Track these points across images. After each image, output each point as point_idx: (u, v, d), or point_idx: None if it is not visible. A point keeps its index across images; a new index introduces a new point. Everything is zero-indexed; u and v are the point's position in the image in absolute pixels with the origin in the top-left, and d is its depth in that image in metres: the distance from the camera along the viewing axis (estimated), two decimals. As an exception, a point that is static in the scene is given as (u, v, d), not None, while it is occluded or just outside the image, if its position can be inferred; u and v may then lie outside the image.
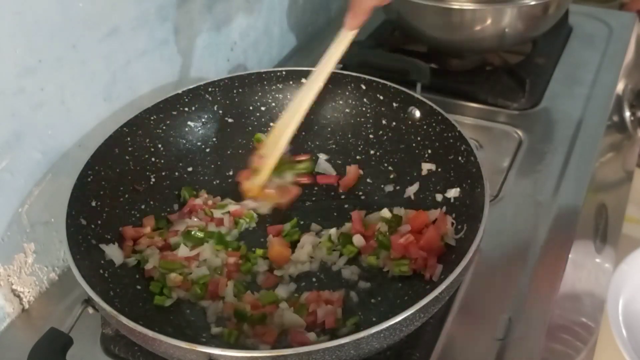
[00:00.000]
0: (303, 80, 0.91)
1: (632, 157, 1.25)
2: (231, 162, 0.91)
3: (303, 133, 0.92)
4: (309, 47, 1.30)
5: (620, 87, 1.15)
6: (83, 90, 0.81)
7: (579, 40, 1.26)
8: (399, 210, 0.82)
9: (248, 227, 0.84)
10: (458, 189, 0.78)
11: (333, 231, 0.81)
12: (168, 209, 0.85)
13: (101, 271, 0.71)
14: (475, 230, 0.66)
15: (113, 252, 0.74)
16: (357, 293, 0.75)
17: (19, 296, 0.79)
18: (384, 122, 0.89)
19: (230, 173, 0.90)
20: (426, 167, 0.83)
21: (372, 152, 0.90)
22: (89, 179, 0.76)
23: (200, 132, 0.90)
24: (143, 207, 0.83)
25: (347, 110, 0.91)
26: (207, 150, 0.90)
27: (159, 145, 0.86)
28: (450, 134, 0.80)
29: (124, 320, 0.59)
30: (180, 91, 0.87)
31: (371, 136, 0.90)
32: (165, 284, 0.74)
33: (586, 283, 0.94)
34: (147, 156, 0.85)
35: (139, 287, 0.74)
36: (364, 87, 0.89)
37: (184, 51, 0.99)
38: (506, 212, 0.87)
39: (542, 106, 1.08)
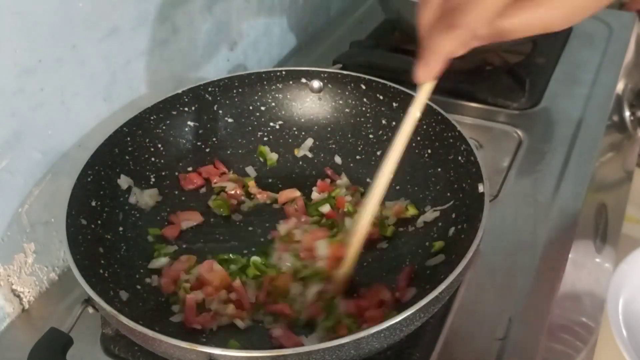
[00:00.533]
0: (303, 79, 0.91)
1: (632, 157, 1.25)
2: (231, 162, 0.91)
3: (303, 133, 0.93)
4: (309, 47, 1.30)
5: (620, 87, 1.15)
6: (83, 90, 0.81)
7: (578, 40, 1.26)
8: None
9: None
10: (437, 213, 0.78)
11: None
12: (168, 209, 0.85)
13: (101, 271, 0.71)
14: (475, 230, 0.66)
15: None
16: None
17: (19, 296, 0.79)
18: (384, 122, 0.89)
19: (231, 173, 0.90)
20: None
21: (372, 152, 0.90)
22: (89, 179, 0.76)
23: (200, 132, 0.90)
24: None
25: (347, 110, 0.91)
26: (207, 150, 0.90)
27: (159, 145, 0.86)
28: (450, 134, 0.80)
29: (124, 320, 0.59)
30: (180, 91, 0.87)
31: (371, 136, 0.90)
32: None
33: (586, 283, 0.94)
34: (147, 156, 0.85)
35: (139, 287, 0.74)
36: (364, 87, 0.89)
37: (184, 51, 0.99)
38: (506, 212, 0.87)
39: (542, 106, 1.08)
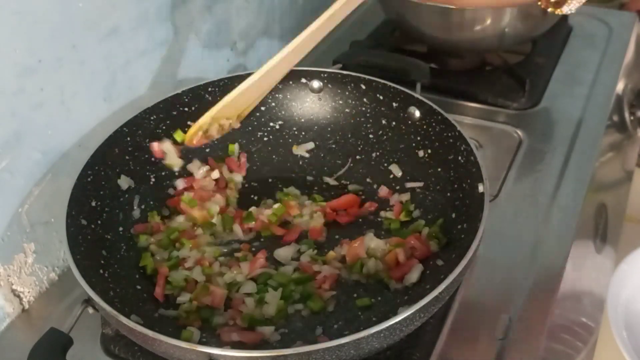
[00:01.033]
0: (303, 79, 0.91)
1: (632, 157, 1.25)
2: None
3: (303, 133, 0.93)
4: (308, 47, 1.30)
5: (620, 87, 1.15)
6: (83, 91, 0.81)
7: (578, 40, 1.26)
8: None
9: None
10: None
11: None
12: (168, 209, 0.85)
13: (101, 271, 0.71)
14: (475, 230, 0.66)
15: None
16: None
17: (19, 296, 0.79)
18: (384, 122, 0.89)
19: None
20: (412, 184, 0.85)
21: (372, 152, 0.90)
22: (89, 179, 0.76)
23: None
24: (143, 207, 0.83)
25: (347, 110, 0.91)
26: (207, 150, 0.90)
27: (159, 145, 0.86)
28: (450, 134, 0.80)
29: (124, 320, 0.59)
30: (180, 91, 0.87)
31: (371, 136, 0.90)
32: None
33: (586, 283, 0.94)
34: (147, 156, 0.85)
35: (139, 287, 0.74)
36: (364, 87, 0.89)
37: (184, 51, 0.99)
38: (506, 212, 0.87)
39: (542, 106, 1.08)
